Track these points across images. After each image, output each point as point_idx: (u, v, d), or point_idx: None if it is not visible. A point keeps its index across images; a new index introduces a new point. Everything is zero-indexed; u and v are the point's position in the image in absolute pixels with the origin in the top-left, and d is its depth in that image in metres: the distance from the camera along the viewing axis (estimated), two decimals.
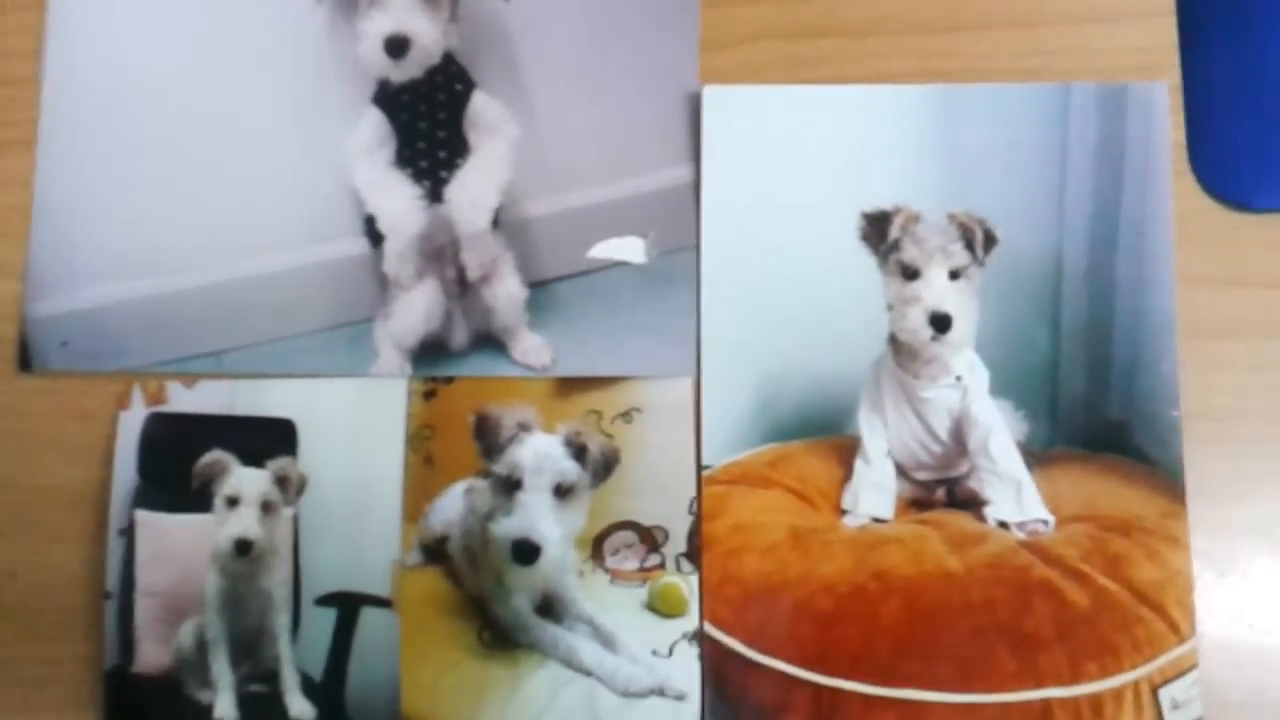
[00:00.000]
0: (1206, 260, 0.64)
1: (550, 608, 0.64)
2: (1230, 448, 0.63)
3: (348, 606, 0.64)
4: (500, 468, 0.63)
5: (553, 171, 0.68)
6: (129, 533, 0.65)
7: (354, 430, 0.65)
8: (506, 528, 0.63)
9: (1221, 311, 0.64)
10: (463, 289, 0.68)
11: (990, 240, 0.64)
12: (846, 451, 0.66)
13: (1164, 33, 0.66)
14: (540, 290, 0.68)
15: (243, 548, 0.64)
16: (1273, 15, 0.66)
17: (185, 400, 0.66)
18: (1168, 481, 0.63)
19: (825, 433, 0.66)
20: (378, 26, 0.66)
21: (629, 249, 0.67)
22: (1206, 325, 0.64)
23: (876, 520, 0.65)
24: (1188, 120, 0.65)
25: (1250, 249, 0.64)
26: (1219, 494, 0.62)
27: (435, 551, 0.65)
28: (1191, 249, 0.64)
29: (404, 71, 0.67)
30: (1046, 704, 0.60)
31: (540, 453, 0.63)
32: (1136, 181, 0.65)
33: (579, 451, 0.64)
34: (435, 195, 0.68)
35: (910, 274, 0.64)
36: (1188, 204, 0.65)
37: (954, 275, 0.64)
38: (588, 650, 0.63)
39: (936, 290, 0.64)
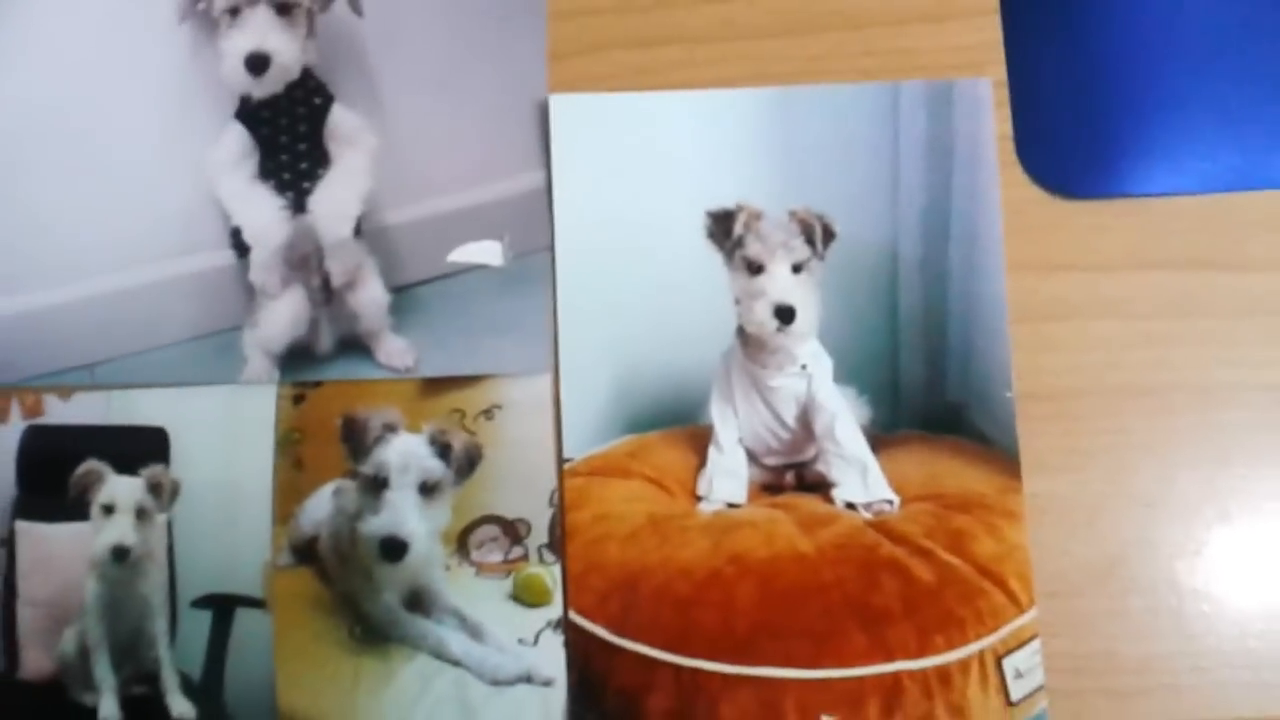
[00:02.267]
0: (1034, 246, 0.67)
1: (419, 602, 0.66)
2: (1062, 425, 0.65)
3: (223, 608, 0.66)
4: (367, 468, 0.65)
5: (411, 180, 0.70)
6: (9, 543, 0.66)
7: (224, 436, 0.67)
8: (374, 526, 0.65)
9: (1050, 295, 0.67)
10: (327, 296, 0.70)
11: (829, 235, 0.67)
12: (700, 440, 0.68)
13: (988, 31, 0.69)
14: (402, 295, 0.69)
15: (119, 554, 0.65)
16: (1093, 13, 0.68)
17: (61, 412, 0.67)
18: (1004, 459, 0.66)
19: (680, 423, 0.68)
20: (238, 45, 0.68)
21: (486, 252, 0.69)
22: (1036, 308, 0.67)
23: (730, 505, 0.67)
24: (1014, 113, 0.68)
25: (1076, 234, 0.67)
26: (1053, 469, 0.65)
27: (306, 552, 0.66)
28: (1020, 236, 0.67)
29: (265, 87, 0.68)
30: (897, 677, 0.63)
31: (406, 452, 0.65)
32: (966, 173, 0.68)
33: (443, 449, 0.65)
34: (299, 206, 0.69)
35: (755, 269, 0.67)
36: (1015, 194, 0.67)
37: (796, 269, 0.67)
38: (456, 641, 0.65)
39: (780, 284, 0.67)
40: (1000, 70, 0.68)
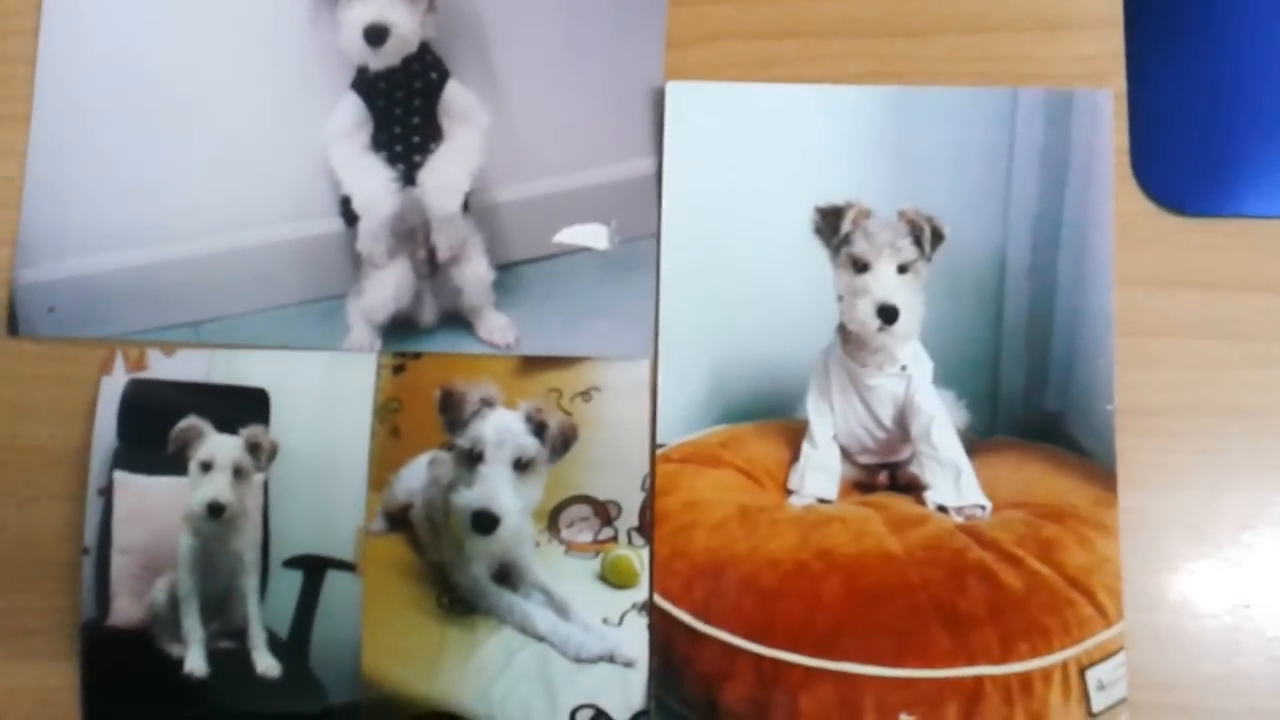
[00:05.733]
0: (1145, 261, 0.67)
1: (507, 576, 0.67)
2: (1161, 441, 0.65)
3: (314, 569, 0.67)
4: (463, 441, 0.66)
5: (522, 159, 0.70)
6: (107, 492, 0.68)
7: (324, 401, 0.68)
8: (467, 498, 0.66)
9: (1157, 311, 0.66)
10: (433, 269, 0.71)
11: (938, 237, 0.67)
12: (795, 434, 0.68)
13: (1110, 42, 0.68)
14: (507, 272, 0.70)
15: (215, 510, 0.67)
16: (1216, 29, 0.68)
17: (165, 368, 0.69)
18: (1100, 472, 0.65)
19: (775, 416, 0.69)
20: (358, 16, 0.69)
21: (592, 235, 0.70)
22: (1143, 324, 0.66)
23: (821, 501, 0.67)
24: (1131, 127, 0.68)
25: (1187, 251, 0.67)
26: (1149, 485, 0.65)
27: (399, 519, 0.68)
28: (1131, 250, 0.67)
29: (382, 59, 0.69)
30: (979, 680, 0.63)
31: (502, 428, 0.66)
32: (1079, 184, 0.68)
33: (539, 427, 0.66)
34: (409, 179, 0.70)
35: (860, 267, 0.67)
36: (1128, 207, 0.67)
37: (902, 269, 0.67)
38: (542, 617, 0.66)
39: (885, 283, 0.67)
40: (1120, 82, 0.68)
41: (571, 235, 0.70)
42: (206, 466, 0.67)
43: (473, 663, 0.65)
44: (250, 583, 0.67)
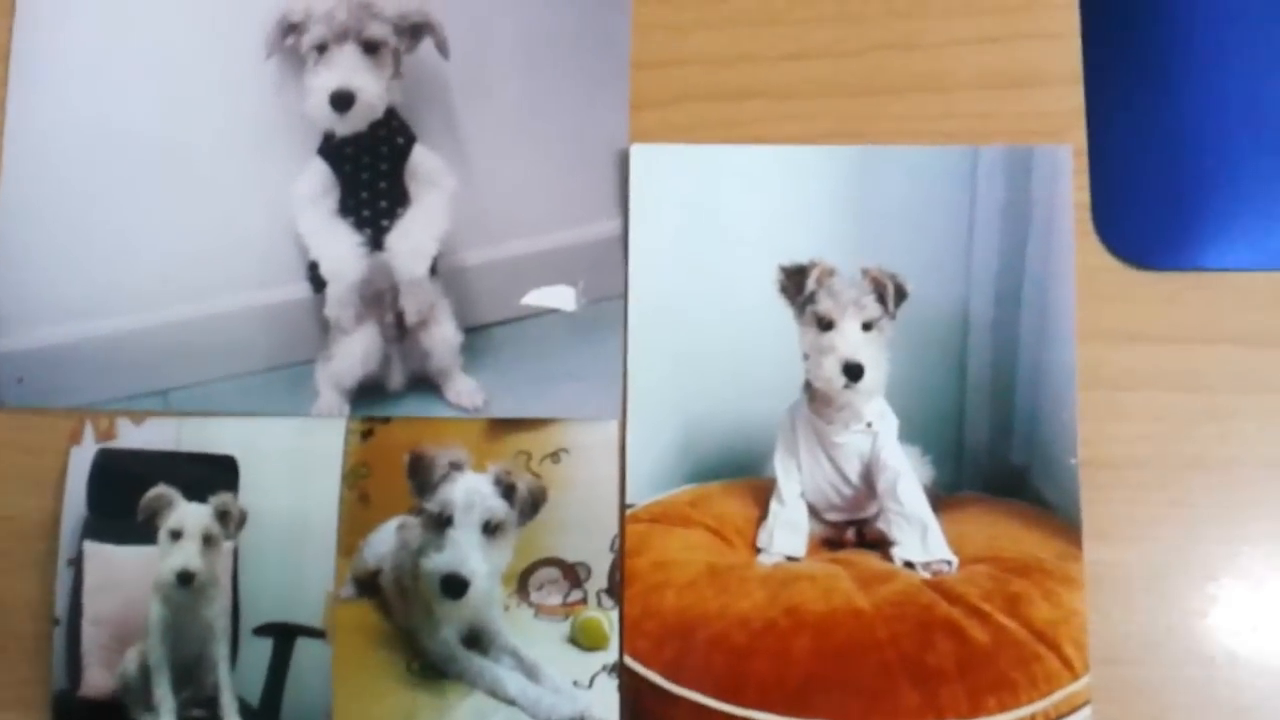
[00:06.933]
0: (1107, 315, 0.67)
1: (477, 640, 0.67)
2: (1125, 494, 0.66)
3: (284, 637, 0.67)
4: (432, 505, 0.66)
5: (489, 222, 0.71)
6: (77, 562, 0.67)
7: (293, 467, 0.68)
8: (437, 563, 0.66)
9: (1120, 364, 0.67)
10: (401, 333, 0.71)
11: (901, 294, 0.67)
12: (762, 493, 0.68)
13: (1070, 99, 0.69)
14: (475, 335, 0.70)
15: (184, 579, 0.67)
16: (1175, 85, 0.69)
17: (134, 437, 0.69)
18: (1066, 525, 0.66)
19: (743, 474, 0.69)
20: (324, 82, 0.69)
21: (560, 297, 0.70)
22: (1105, 377, 0.67)
23: (789, 559, 0.68)
24: (1092, 182, 0.68)
25: (1148, 305, 0.67)
26: (1113, 538, 0.65)
27: (368, 585, 0.67)
28: (1092, 305, 0.67)
29: (348, 125, 0.69)
30: None
31: (471, 491, 0.66)
32: (1041, 240, 0.68)
33: (508, 490, 0.66)
34: (376, 243, 0.70)
35: (825, 325, 0.67)
36: (1090, 261, 0.68)
37: (866, 327, 0.67)
38: (512, 681, 0.66)
39: (850, 341, 0.67)
40: (1081, 138, 0.68)
41: (539, 297, 0.70)
42: (176, 535, 0.67)
43: None
44: (221, 651, 0.67)
